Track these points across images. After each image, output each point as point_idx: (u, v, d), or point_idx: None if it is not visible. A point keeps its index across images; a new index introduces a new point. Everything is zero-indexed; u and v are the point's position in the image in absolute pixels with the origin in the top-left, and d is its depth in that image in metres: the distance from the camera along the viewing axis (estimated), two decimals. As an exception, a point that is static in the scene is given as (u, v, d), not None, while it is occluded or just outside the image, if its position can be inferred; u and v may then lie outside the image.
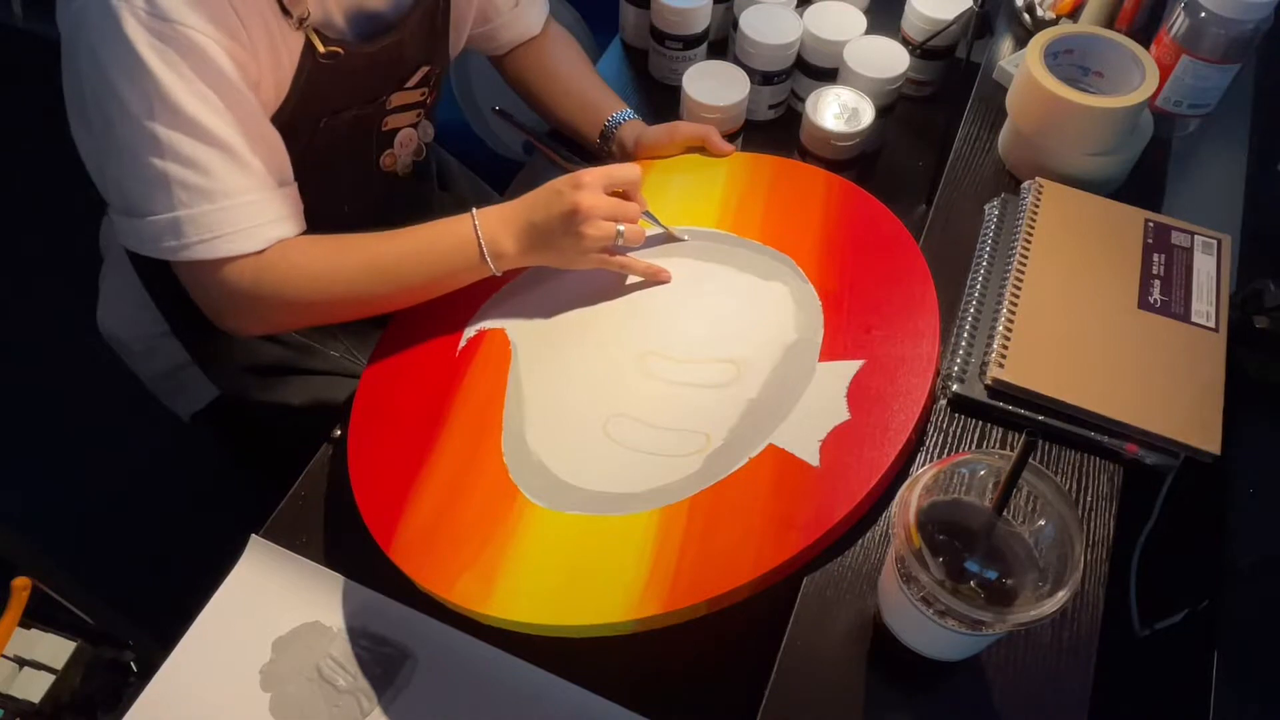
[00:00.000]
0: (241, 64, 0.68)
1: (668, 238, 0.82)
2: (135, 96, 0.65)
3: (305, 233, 0.76)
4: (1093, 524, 0.65)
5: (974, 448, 0.69)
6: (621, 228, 0.75)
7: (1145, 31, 0.90)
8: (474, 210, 0.75)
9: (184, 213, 0.68)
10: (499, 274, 0.77)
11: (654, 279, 0.80)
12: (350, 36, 0.76)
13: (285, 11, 0.70)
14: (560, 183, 0.75)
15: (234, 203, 0.70)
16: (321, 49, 0.73)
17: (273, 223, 0.72)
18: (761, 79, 0.99)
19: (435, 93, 0.90)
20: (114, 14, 0.62)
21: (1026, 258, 0.75)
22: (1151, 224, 0.77)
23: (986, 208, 0.82)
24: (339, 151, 0.83)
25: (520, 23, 0.97)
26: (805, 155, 0.95)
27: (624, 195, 0.77)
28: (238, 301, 0.74)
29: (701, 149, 0.90)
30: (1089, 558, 0.63)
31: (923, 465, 0.66)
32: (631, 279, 0.81)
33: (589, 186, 0.73)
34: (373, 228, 0.75)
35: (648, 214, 0.81)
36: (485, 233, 0.75)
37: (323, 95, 0.76)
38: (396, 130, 0.87)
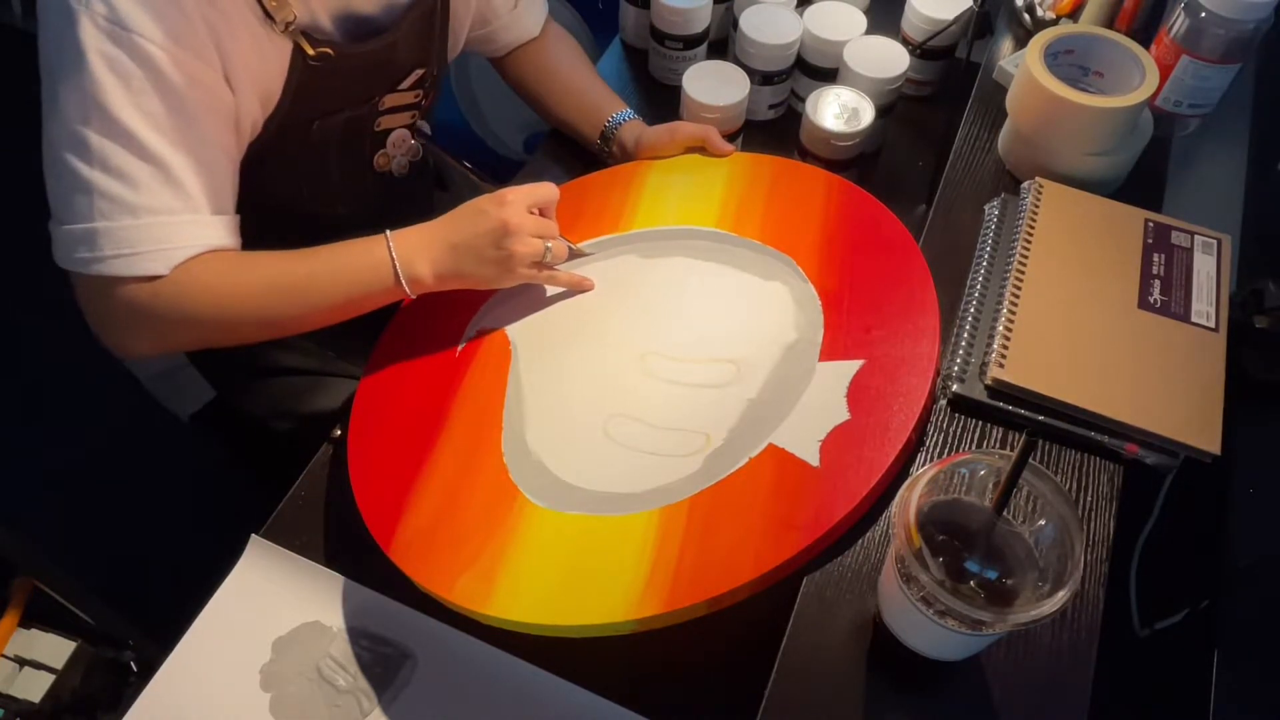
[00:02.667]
0: (204, 84, 0.66)
1: (575, 254, 0.81)
2: (74, 99, 0.63)
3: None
4: (1093, 524, 0.65)
5: (974, 448, 0.69)
6: (549, 244, 0.75)
7: (1145, 31, 0.90)
8: (388, 232, 0.73)
9: (101, 224, 0.65)
10: (413, 297, 0.75)
11: (579, 289, 0.81)
12: (339, 39, 0.75)
13: (269, 17, 0.69)
14: (483, 201, 0.74)
15: (157, 220, 0.67)
16: (311, 51, 0.72)
17: (192, 249, 0.69)
18: (761, 79, 0.99)
19: (432, 94, 0.90)
20: (71, 15, 0.61)
21: (1026, 258, 0.75)
22: (1151, 224, 0.77)
23: (986, 208, 0.82)
24: (332, 153, 0.83)
25: (519, 25, 0.97)
26: (805, 155, 0.95)
27: (541, 214, 0.77)
28: (130, 319, 0.70)
29: (701, 149, 0.90)
30: (1089, 558, 0.63)
31: (923, 465, 0.66)
32: (633, 281, 0.81)
33: (514, 204, 0.73)
34: (370, 228, 0.75)
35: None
36: (401, 255, 0.72)
37: (314, 98, 0.76)
38: (390, 130, 0.87)
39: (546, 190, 0.76)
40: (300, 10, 0.71)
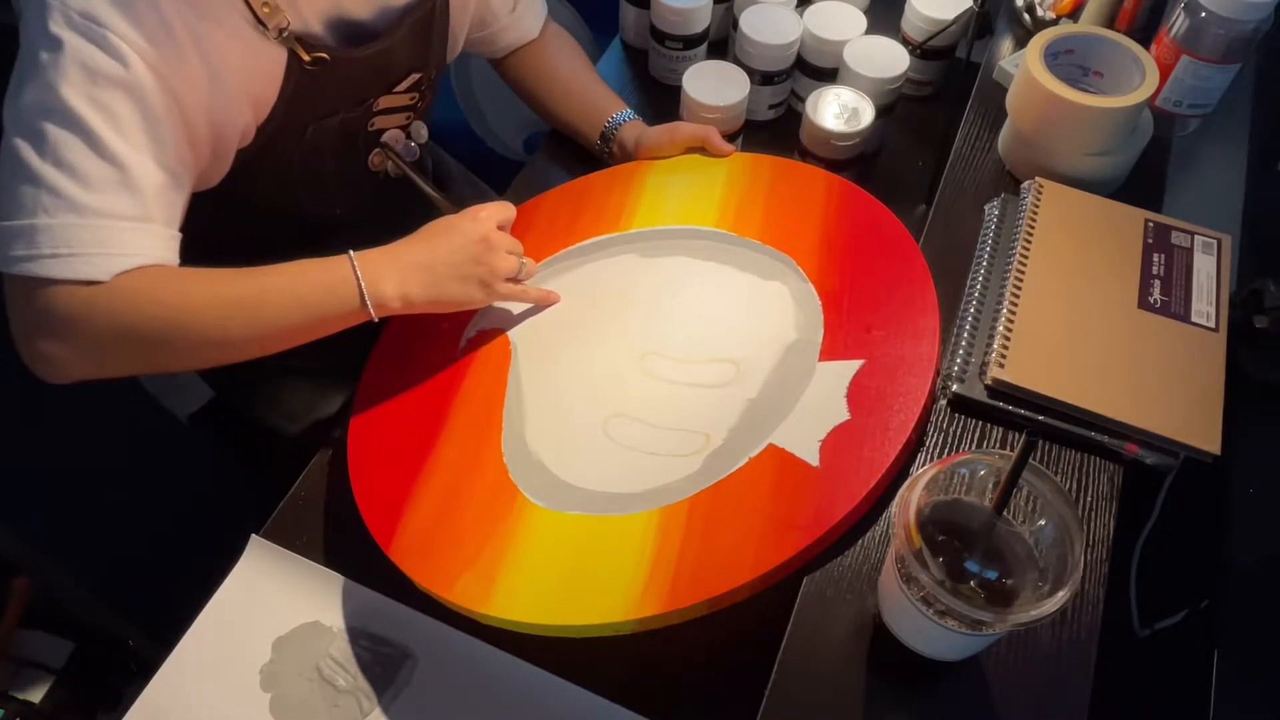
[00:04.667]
0: (176, 94, 0.64)
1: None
2: (36, 89, 0.60)
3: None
4: (1093, 524, 0.65)
5: (974, 448, 0.69)
6: (524, 261, 0.76)
7: (1145, 31, 0.90)
8: (351, 252, 0.69)
9: (43, 220, 0.61)
10: (376, 319, 0.70)
11: (547, 303, 0.81)
12: (333, 44, 0.75)
13: (261, 24, 0.68)
14: (457, 220, 0.73)
15: (103, 223, 0.62)
16: (306, 57, 0.71)
17: (138, 258, 0.64)
18: (761, 79, 0.99)
19: (429, 96, 0.89)
20: (46, 8, 0.60)
21: (1026, 258, 0.75)
22: (1151, 224, 0.77)
23: (986, 208, 0.82)
24: (327, 154, 0.83)
25: (518, 27, 0.97)
26: (805, 155, 0.95)
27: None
28: (62, 330, 0.63)
29: (702, 149, 0.90)
30: (1089, 558, 0.63)
31: (923, 465, 0.66)
32: (633, 280, 0.81)
33: (489, 220, 0.73)
34: (368, 229, 0.75)
35: None
36: (366, 275, 0.68)
37: (309, 103, 0.75)
38: (383, 131, 0.87)
39: (508, 210, 0.77)
40: (293, 16, 0.70)
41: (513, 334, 0.79)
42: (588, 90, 0.97)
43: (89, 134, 0.61)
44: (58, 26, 0.60)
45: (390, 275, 0.70)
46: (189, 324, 0.65)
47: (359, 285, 0.68)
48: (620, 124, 0.93)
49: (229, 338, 0.67)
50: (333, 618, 0.70)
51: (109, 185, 0.62)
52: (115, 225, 0.63)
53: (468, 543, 0.66)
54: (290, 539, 0.74)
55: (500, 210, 0.75)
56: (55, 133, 0.61)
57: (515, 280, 0.77)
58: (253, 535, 0.74)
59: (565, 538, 0.65)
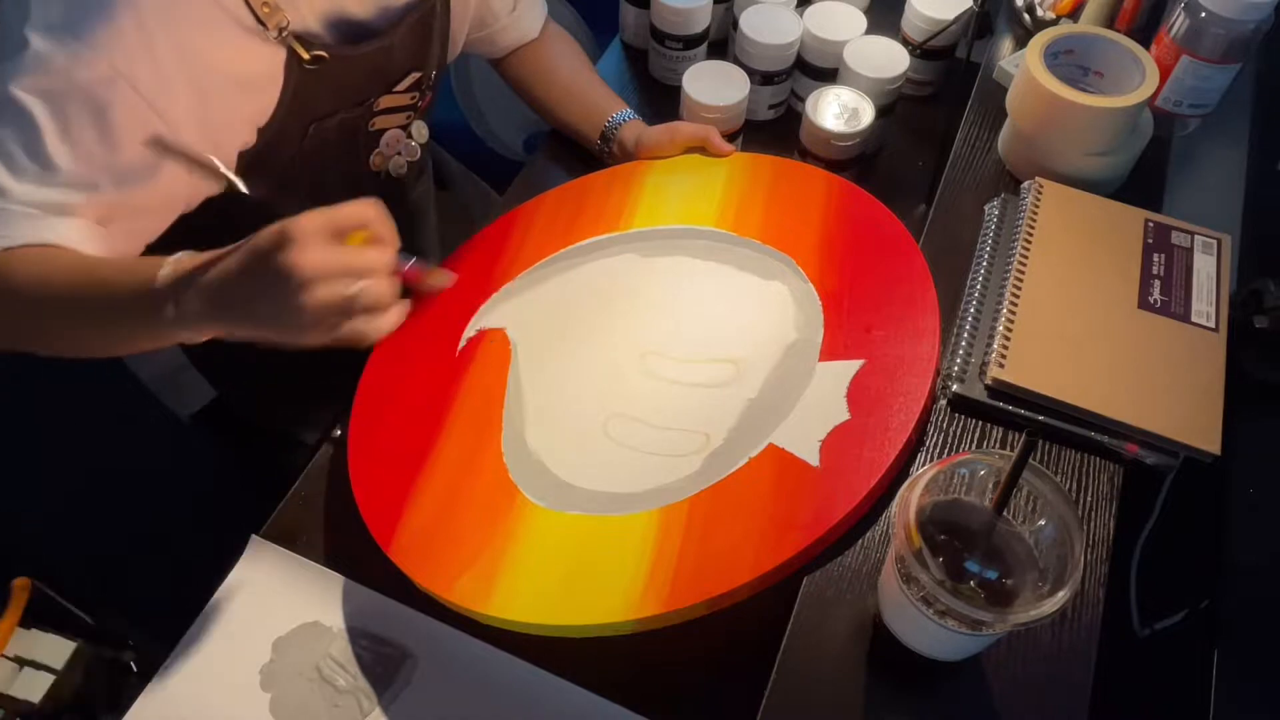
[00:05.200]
0: (158, 108, 0.64)
1: (431, 285, 0.69)
2: None
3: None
4: (1093, 524, 0.65)
5: (974, 448, 0.69)
6: (360, 285, 0.56)
7: (1145, 31, 0.90)
8: (178, 255, 0.59)
9: None
10: (186, 341, 0.62)
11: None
12: (333, 43, 0.75)
13: (261, 24, 0.68)
14: (264, 238, 0.55)
15: (13, 208, 0.62)
16: (306, 55, 0.71)
17: (16, 240, 0.62)
18: (761, 79, 0.99)
19: (429, 96, 0.89)
20: (24, 16, 0.60)
21: (1026, 258, 0.74)
22: (1151, 224, 0.77)
23: (986, 208, 0.82)
24: (327, 155, 0.83)
25: (519, 27, 0.97)
26: (805, 155, 0.95)
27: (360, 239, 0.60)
28: None
29: (702, 149, 0.90)
30: (1089, 558, 0.63)
31: (923, 465, 0.66)
32: (633, 280, 0.81)
33: (304, 240, 0.53)
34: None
35: (405, 254, 0.63)
36: (165, 283, 0.58)
37: (310, 103, 0.75)
38: (384, 130, 0.87)
39: (357, 211, 0.57)
40: (293, 15, 0.70)
41: (513, 333, 0.79)
42: (587, 90, 0.97)
43: (33, 130, 0.61)
44: (33, 31, 0.60)
45: (199, 293, 0.57)
46: (38, 301, 0.62)
47: (163, 294, 0.58)
48: (620, 124, 0.93)
49: (45, 331, 0.65)
50: (333, 618, 0.70)
51: (33, 178, 0.62)
52: (24, 211, 0.62)
53: (468, 543, 0.66)
54: (290, 539, 0.74)
55: (329, 219, 0.55)
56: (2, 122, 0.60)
57: (357, 313, 0.57)
58: (253, 535, 0.74)
59: (565, 538, 0.65)
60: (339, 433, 0.80)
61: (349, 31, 0.76)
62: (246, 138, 0.73)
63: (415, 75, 0.83)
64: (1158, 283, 0.73)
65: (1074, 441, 0.68)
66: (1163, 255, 0.75)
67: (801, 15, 0.99)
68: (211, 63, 0.67)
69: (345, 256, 0.55)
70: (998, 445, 0.69)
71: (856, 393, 0.67)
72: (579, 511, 0.66)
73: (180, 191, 0.71)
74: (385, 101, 0.83)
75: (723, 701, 0.66)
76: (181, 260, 0.59)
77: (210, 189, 0.73)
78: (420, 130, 0.91)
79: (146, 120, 0.64)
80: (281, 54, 0.71)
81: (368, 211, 0.58)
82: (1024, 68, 0.81)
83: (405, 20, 0.78)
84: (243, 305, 0.56)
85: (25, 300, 0.62)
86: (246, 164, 0.75)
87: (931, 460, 0.68)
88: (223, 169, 0.62)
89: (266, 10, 0.68)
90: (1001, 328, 0.70)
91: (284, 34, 0.70)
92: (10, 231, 0.62)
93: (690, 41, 1.03)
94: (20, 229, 0.63)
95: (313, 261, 0.53)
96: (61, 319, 0.63)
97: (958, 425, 0.70)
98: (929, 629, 0.53)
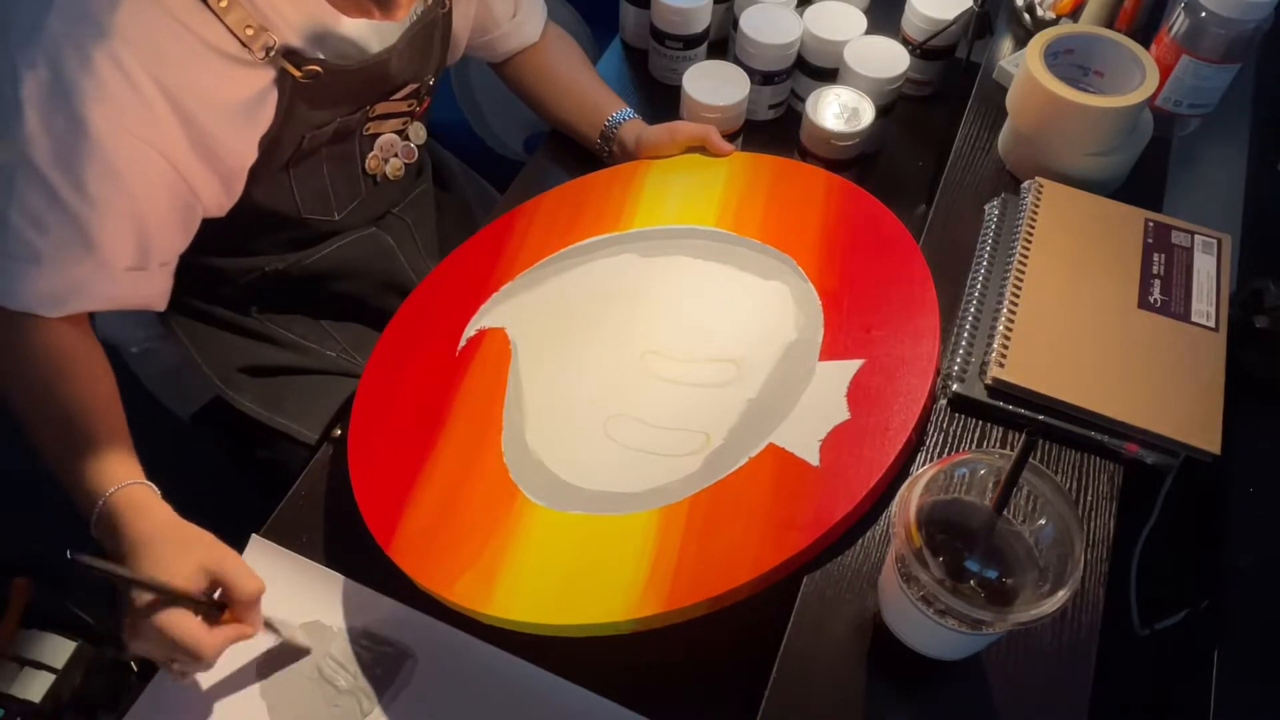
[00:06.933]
0: (152, 144, 0.66)
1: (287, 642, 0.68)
2: (5, 149, 0.63)
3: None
4: (1093, 524, 0.65)
5: (974, 448, 0.69)
6: (176, 659, 0.60)
7: (1145, 31, 0.90)
8: (129, 484, 0.65)
9: (3, 262, 0.66)
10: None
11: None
12: (325, 57, 0.74)
13: (246, 48, 0.68)
14: (131, 606, 0.60)
15: (61, 272, 0.67)
16: (298, 73, 0.71)
17: (48, 303, 0.69)
18: (761, 79, 0.99)
19: (426, 101, 0.89)
20: (15, 71, 0.61)
21: (1026, 258, 0.75)
22: (1151, 224, 0.77)
23: (986, 208, 0.82)
24: (324, 160, 0.82)
25: (520, 33, 0.96)
26: (805, 155, 0.95)
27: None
28: None
29: (702, 149, 0.90)
30: (1089, 558, 0.63)
31: (923, 465, 0.66)
32: (633, 280, 0.81)
33: (139, 630, 0.59)
34: (365, 231, 0.75)
35: (270, 624, 0.66)
36: (100, 513, 0.64)
37: (305, 115, 0.75)
38: (379, 134, 0.87)
39: (242, 585, 0.61)
40: (279, 35, 0.69)
41: (513, 333, 0.79)
42: (587, 90, 0.97)
43: (51, 191, 0.65)
44: (26, 92, 0.62)
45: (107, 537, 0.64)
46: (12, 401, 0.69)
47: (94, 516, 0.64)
48: (620, 123, 0.93)
49: (32, 413, 0.69)
50: (333, 618, 0.70)
51: (65, 239, 0.67)
52: (76, 272, 0.68)
53: (468, 543, 0.66)
54: (290, 539, 0.74)
55: (173, 629, 0.58)
56: (22, 186, 0.64)
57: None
58: (253, 535, 0.74)
59: (565, 538, 0.65)
60: (339, 433, 0.80)
61: (339, 46, 0.75)
62: (250, 154, 0.74)
63: (413, 85, 0.83)
64: (1158, 282, 0.73)
65: (1074, 441, 0.68)
66: (1163, 255, 0.75)
67: (801, 15, 0.99)
68: (203, 97, 0.67)
69: (163, 647, 0.59)
70: (998, 445, 0.69)
71: (856, 392, 0.67)
72: (579, 511, 0.66)
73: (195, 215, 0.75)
74: (382, 108, 0.83)
75: (723, 701, 0.66)
76: (117, 516, 0.63)
77: (229, 201, 0.76)
78: (418, 132, 0.91)
79: (139, 160, 0.67)
80: (271, 73, 0.71)
81: (251, 589, 0.62)
82: (1024, 68, 0.81)
83: (405, 34, 0.78)
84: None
85: (28, 374, 0.69)
86: (249, 170, 0.75)
87: (931, 460, 0.68)
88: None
89: (250, 33, 0.67)
90: (1001, 327, 0.70)
91: (272, 53, 0.69)
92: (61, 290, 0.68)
93: (690, 41, 1.03)
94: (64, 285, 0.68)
95: (140, 648, 0.60)
96: (36, 414, 0.69)
97: (958, 425, 0.70)
98: (929, 629, 0.53)
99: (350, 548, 0.72)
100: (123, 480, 0.65)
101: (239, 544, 0.74)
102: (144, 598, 0.59)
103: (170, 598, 0.59)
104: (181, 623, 0.58)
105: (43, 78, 0.61)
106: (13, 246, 0.66)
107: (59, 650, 1.01)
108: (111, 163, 0.65)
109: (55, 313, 0.69)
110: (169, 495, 0.68)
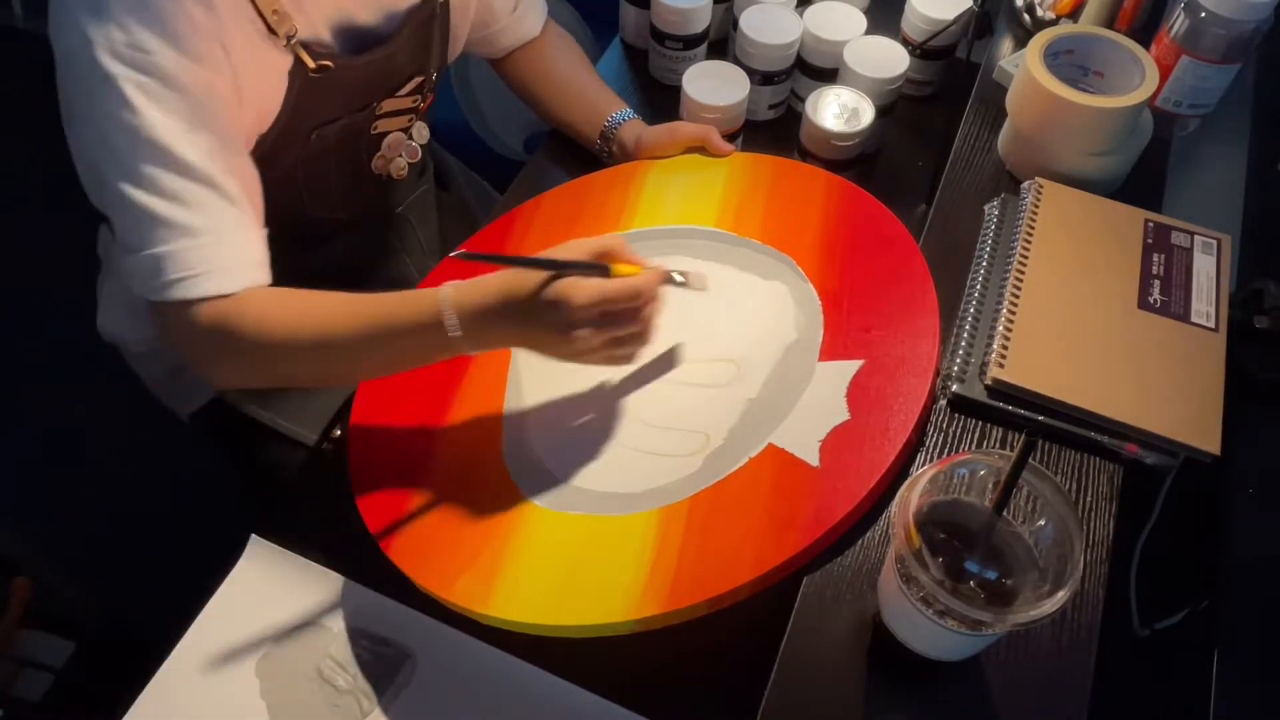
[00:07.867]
0: (223, 97, 0.67)
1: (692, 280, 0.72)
2: (116, 131, 0.63)
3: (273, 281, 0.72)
4: (1093, 524, 0.65)
5: (974, 448, 0.69)
6: (619, 332, 0.64)
7: (1145, 31, 0.90)
8: (445, 288, 0.65)
9: (164, 249, 0.65)
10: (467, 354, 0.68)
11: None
12: (338, 50, 0.75)
13: (271, 31, 0.69)
14: (544, 310, 0.63)
15: (216, 239, 0.66)
16: (312, 65, 0.72)
17: (253, 264, 0.69)
18: (761, 79, 0.99)
19: (430, 98, 0.89)
20: (91, 47, 0.61)
21: (1026, 258, 0.75)
22: (1151, 224, 0.77)
23: (986, 208, 0.82)
24: (330, 159, 0.83)
25: (519, 28, 0.97)
26: (805, 155, 0.95)
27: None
28: (212, 346, 0.69)
29: (701, 149, 0.90)
30: (1089, 558, 0.63)
31: (923, 465, 0.66)
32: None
33: (580, 311, 0.62)
34: (371, 231, 0.75)
35: (677, 273, 0.70)
36: (451, 315, 0.65)
37: (313, 109, 0.76)
38: (386, 134, 0.87)
39: (611, 288, 0.62)
40: (301, 23, 0.70)
41: (513, 334, 0.79)
42: (587, 90, 0.97)
43: (177, 160, 0.64)
44: (107, 60, 0.61)
45: (477, 340, 0.66)
46: (302, 352, 0.68)
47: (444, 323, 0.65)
48: (620, 123, 0.93)
49: (331, 374, 0.71)
50: (333, 618, 0.70)
51: (210, 202, 0.66)
52: (227, 239, 0.67)
53: (468, 542, 0.66)
54: (290, 539, 0.74)
55: (596, 293, 0.62)
56: (147, 168, 0.64)
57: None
58: (253, 535, 0.74)
59: (565, 538, 0.65)
60: (339, 433, 0.80)
61: (355, 38, 0.76)
62: (248, 142, 0.73)
63: (418, 79, 0.83)
64: (1158, 283, 0.73)
65: (1074, 441, 0.68)
66: (1162, 255, 0.75)
67: (801, 15, 0.99)
68: (242, 61, 0.68)
69: (606, 320, 0.64)
70: (998, 445, 0.69)
71: (856, 393, 0.67)
72: (579, 511, 0.66)
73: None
74: (388, 105, 0.83)
75: (723, 701, 0.66)
76: (459, 295, 0.65)
77: None
78: (421, 131, 0.91)
79: (219, 113, 0.67)
80: (288, 61, 0.71)
81: (612, 244, 0.65)
82: (1024, 68, 0.81)
83: (408, 24, 0.78)
84: (525, 344, 0.66)
85: (295, 332, 0.68)
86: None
87: (931, 460, 0.68)
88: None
89: (276, 17, 0.68)
90: (1001, 328, 0.70)
91: (292, 42, 0.70)
92: (241, 256, 0.68)
93: (690, 41, 1.03)
94: (244, 250, 0.68)
95: (582, 343, 0.63)
96: (338, 359, 0.69)
97: (958, 425, 0.70)
98: (929, 629, 0.53)
99: (350, 548, 0.72)
100: (436, 297, 0.65)
101: (239, 544, 0.74)
102: (554, 296, 0.61)
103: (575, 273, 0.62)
104: (603, 285, 0.62)
105: (119, 40, 0.61)
106: (166, 234, 0.65)
107: (59, 650, 1.01)
108: (211, 113, 0.65)
109: (234, 285, 0.67)
110: (169, 495, 0.68)
